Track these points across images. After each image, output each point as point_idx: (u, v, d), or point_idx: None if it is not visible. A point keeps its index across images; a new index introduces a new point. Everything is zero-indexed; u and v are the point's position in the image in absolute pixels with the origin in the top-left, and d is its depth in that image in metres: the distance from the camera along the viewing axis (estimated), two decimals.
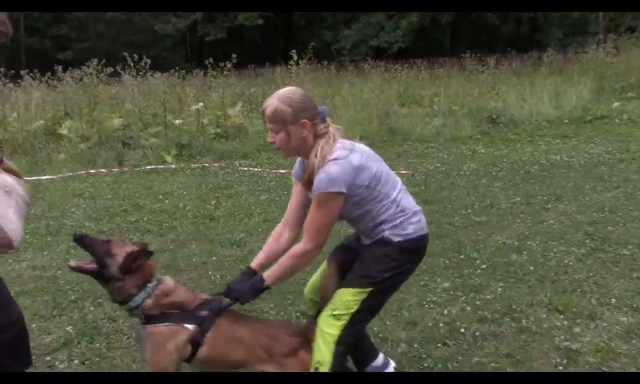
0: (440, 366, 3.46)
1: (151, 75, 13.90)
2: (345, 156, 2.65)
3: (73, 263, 2.67)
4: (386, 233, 2.78)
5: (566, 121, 12.79)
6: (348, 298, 2.76)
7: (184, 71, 15.33)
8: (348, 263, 2.92)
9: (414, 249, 2.86)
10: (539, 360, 3.48)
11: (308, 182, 2.75)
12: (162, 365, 2.69)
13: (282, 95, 2.71)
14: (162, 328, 2.70)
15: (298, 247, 2.75)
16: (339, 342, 2.75)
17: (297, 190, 2.99)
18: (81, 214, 7.29)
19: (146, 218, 6.98)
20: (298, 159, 2.98)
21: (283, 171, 9.49)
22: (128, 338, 4.02)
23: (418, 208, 2.90)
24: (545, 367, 3.40)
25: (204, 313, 2.76)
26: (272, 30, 38.47)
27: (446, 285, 4.60)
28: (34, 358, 3.56)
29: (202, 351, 2.72)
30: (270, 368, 2.74)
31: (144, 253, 2.70)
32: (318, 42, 22.72)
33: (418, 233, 2.84)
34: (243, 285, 2.83)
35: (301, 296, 4.47)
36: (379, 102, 13.64)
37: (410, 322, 4.03)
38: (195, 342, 2.71)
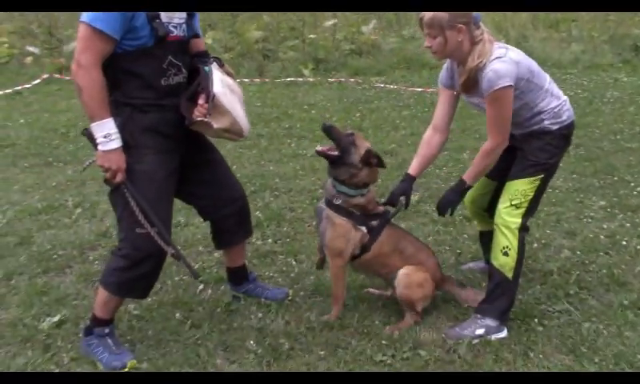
0: (605, 271, 3.73)
1: None
2: (504, 53, 2.89)
3: (319, 148, 3.19)
4: (546, 122, 3.06)
5: None
6: (524, 188, 3.08)
7: None
8: (500, 162, 3.14)
9: (569, 134, 3.17)
10: None
11: (466, 84, 2.99)
12: (337, 248, 3.19)
13: None
14: (343, 221, 3.17)
15: (486, 147, 3.03)
16: (522, 228, 3.11)
17: (444, 95, 3.27)
18: None
19: (298, 125, 7.49)
20: (445, 66, 3.24)
21: (419, 89, 9.70)
22: (309, 226, 4.54)
23: (565, 97, 3.17)
24: None
25: (375, 222, 3.21)
26: None
27: (603, 203, 4.79)
28: None
29: (367, 255, 3.21)
30: (412, 271, 3.19)
31: (379, 157, 3.18)
32: None
33: (571, 118, 3.14)
34: (446, 192, 3.26)
35: None
36: (513, 25, 13.35)
37: (569, 232, 4.30)
38: (364, 246, 3.19)
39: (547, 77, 3.11)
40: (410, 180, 3.29)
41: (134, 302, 3.44)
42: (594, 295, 3.48)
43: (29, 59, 11.66)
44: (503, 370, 2.86)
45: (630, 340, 3.05)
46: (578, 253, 3.99)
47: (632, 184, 5.17)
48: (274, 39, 12.40)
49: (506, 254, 3.10)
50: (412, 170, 3.30)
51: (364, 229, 3.19)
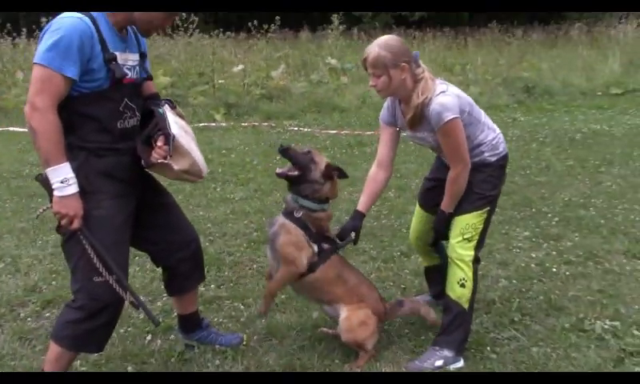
0: (542, 297, 3.92)
1: (190, 35, 14.19)
2: (446, 88, 3.06)
3: (279, 170, 3.20)
4: (486, 154, 3.22)
5: (599, 93, 13.13)
6: (474, 221, 3.22)
7: (220, 31, 15.54)
8: (442, 197, 3.30)
9: (505, 165, 3.35)
10: (630, 295, 3.94)
11: (413, 121, 3.12)
12: (290, 255, 3.15)
13: (381, 42, 3.06)
14: (298, 232, 3.17)
15: (452, 174, 3.16)
16: (475, 260, 3.25)
17: (386, 133, 3.39)
18: None
19: (220, 170, 7.42)
20: (385, 105, 3.36)
21: (333, 131, 9.90)
22: (250, 269, 4.49)
23: (499, 130, 3.37)
24: (636, 302, 3.85)
25: (326, 246, 3.24)
26: None
27: (527, 233, 5.06)
28: None
29: (312, 276, 3.20)
30: (352, 313, 3.19)
31: (340, 170, 3.23)
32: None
33: (506, 150, 3.34)
34: (433, 225, 3.39)
35: (394, 238, 4.97)
36: None
37: (502, 263, 4.50)
38: (311, 266, 3.19)
39: (482, 111, 3.29)
40: (359, 216, 3.34)
41: (81, 358, 3.24)
42: (536, 320, 3.65)
43: None
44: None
45: (578, 360, 3.21)
46: (514, 281, 4.18)
47: (549, 215, 5.50)
48: (182, 85, 12.30)
49: (462, 285, 3.20)
50: (361, 206, 3.36)
51: (315, 247, 3.19)
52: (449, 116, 2.97)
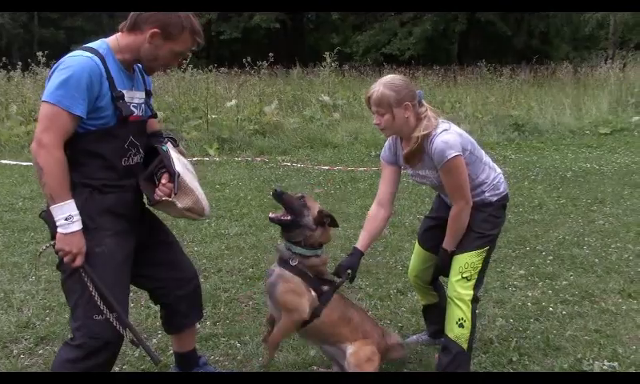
0: (539, 336, 3.92)
1: (183, 71, 14.29)
2: (449, 127, 3.11)
3: (272, 215, 3.19)
4: (487, 194, 3.26)
5: (588, 132, 13.28)
6: (473, 260, 3.23)
7: (213, 66, 15.67)
8: (442, 236, 3.34)
9: (506, 204, 3.39)
10: (627, 335, 3.95)
11: (411, 155, 3.16)
12: (291, 303, 3.13)
13: (385, 82, 3.11)
14: (297, 279, 3.15)
15: (453, 211, 3.19)
16: (474, 299, 3.25)
17: (386, 172, 3.42)
18: None
19: (214, 205, 7.38)
20: (387, 144, 3.40)
21: (326, 167, 9.94)
22: (246, 306, 4.46)
23: (500, 169, 3.42)
24: (633, 342, 3.86)
25: (325, 288, 3.23)
26: (282, 32, 38.79)
27: (522, 272, 5.08)
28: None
29: (317, 321, 3.18)
30: (359, 349, 3.19)
31: (332, 218, 3.22)
32: (325, 46, 23.17)
33: (506, 190, 3.38)
34: (436, 262, 3.43)
35: (390, 275, 4.97)
36: None
37: (498, 301, 4.50)
38: (314, 312, 3.17)
39: (482, 151, 3.33)
40: (358, 254, 3.34)
41: None
42: (534, 361, 3.64)
43: None
44: None
45: None
46: (511, 320, 4.18)
47: (544, 253, 5.52)
48: (176, 119, 12.36)
49: (461, 325, 3.20)
50: (360, 244, 3.36)
51: (313, 294, 3.17)
52: (452, 153, 3.00)
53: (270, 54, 13.77)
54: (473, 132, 12.78)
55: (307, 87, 16.13)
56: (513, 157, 10.92)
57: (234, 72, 15.89)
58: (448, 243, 3.27)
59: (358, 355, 3.18)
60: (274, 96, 14.69)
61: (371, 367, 3.19)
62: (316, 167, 9.99)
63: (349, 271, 3.28)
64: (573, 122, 13.89)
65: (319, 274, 3.24)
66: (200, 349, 3.77)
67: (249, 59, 13.94)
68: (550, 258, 5.41)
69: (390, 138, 3.35)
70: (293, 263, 3.16)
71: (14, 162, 10.08)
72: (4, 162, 10.11)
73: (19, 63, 13.81)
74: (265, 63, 13.85)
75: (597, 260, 5.32)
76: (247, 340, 3.92)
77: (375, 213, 3.40)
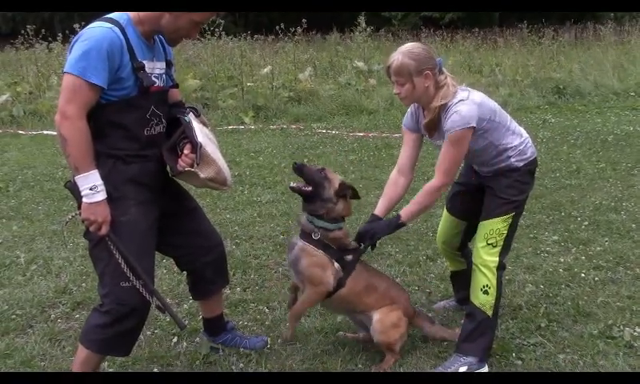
0: (569, 303, 3.86)
1: (218, 38, 14.29)
2: (467, 96, 3.03)
3: (293, 184, 3.19)
4: (512, 160, 3.18)
5: (632, 93, 12.89)
6: (498, 226, 3.18)
7: (247, 34, 15.63)
8: (470, 202, 3.35)
9: (534, 170, 3.30)
10: None
11: (430, 125, 3.12)
12: (316, 276, 3.14)
13: (405, 50, 3.04)
14: (320, 253, 3.16)
15: (432, 184, 3.11)
16: (500, 266, 3.21)
17: (408, 139, 3.35)
18: None
19: (248, 172, 7.48)
20: (409, 111, 3.34)
21: (361, 134, 9.90)
22: (276, 272, 4.51)
23: (527, 134, 3.31)
24: None
25: (349, 257, 3.22)
26: None
27: (555, 237, 5.00)
28: None
29: (342, 291, 3.19)
30: (385, 315, 3.21)
31: (354, 189, 3.23)
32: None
33: (535, 155, 3.28)
34: (375, 224, 3.25)
35: (420, 242, 4.96)
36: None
37: (529, 267, 4.45)
38: (339, 282, 3.18)
39: (508, 117, 3.25)
40: (376, 220, 3.30)
41: (108, 360, 3.30)
42: (563, 327, 3.60)
43: None
44: None
45: (606, 368, 3.16)
46: (541, 287, 4.13)
47: (579, 219, 5.42)
48: (212, 88, 12.41)
49: (486, 292, 3.18)
50: (378, 210, 3.32)
51: (337, 265, 3.18)
52: (463, 125, 2.97)
53: (304, 20, 13.65)
54: (512, 95, 12.58)
55: (343, 53, 15.97)
56: (552, 120, 10.68)
57: (268, 39, 15.81)
58: (407, 213, 3.16)
59: (383, 322, 3.20)
60: (309, 63, 14.62)
61: (396, 333, 3.21)
62: (351, 134, 9.95)
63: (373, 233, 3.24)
64: (616, 83, 13.49)
65: (342, 245, 3.24)
66: (229, 314, 3.85)
67: (282, 26, 13.82)
68: (586, 223, 5.31)
69: (413, 106, 3.31)
70: (315, 237, 3.16)
71: (55, 133, 10.30)
72: (45, 132, 10.34)
73: (60, 35, 14.01)
74: (299, 29, 13.74)
75: (634, 225, 5.20)
76: (275, 306, 3.98)
77: (395, 179, 3.37)
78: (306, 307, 3.30)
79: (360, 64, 14.28)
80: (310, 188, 3.14)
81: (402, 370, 3.20)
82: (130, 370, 3.26)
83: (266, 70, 13.19)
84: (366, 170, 7.48)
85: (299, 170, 3.17)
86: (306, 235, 3.20)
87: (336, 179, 3.19)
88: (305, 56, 15.13)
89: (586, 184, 6.54)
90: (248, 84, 12.41)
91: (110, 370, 3.26)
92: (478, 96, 3.08)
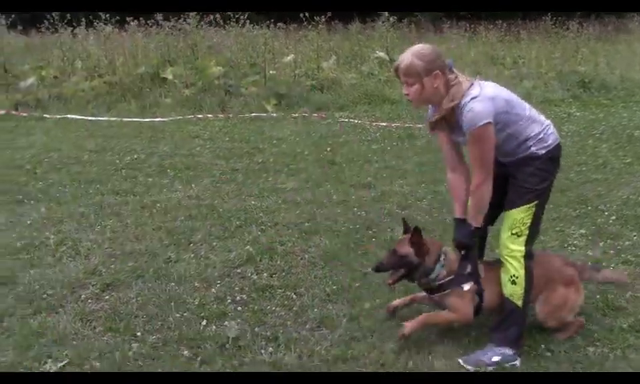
0: (598, 296, 3.84)
1: (242, 26, 14.27)
2: (479, 92, 3.01)
3: (390, 280, 3.40)
4: (533, 148, 3.15)
5: None
6: (521, 216, 3.17)
7: (270, 22, 15.61)
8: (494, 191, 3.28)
9: (557, 156, 3.26)
10: None
11: (439, 124, 3.16)
12: (464, 311, 3.29)
13: (414, 51, 3.05)
14: (458, 289, 3.27)
15: (474, 182, 3.14)
16: (527, 256, 3.19)
17: (442, 137, 3.33)
18: (208, 154, 7.85)
19: (271, 160, 7.50)
20: (430, 110, 3.32)
21: (384, 124, 9.87)
22: (302, 259, 4.53)
23: (548, 121, 3.27)
24: None
25: (468, 270, 3.28)
26: None
27: (582, 231, 4.96)
28: (225, 269, 4.15)
29: (486, 297, 3.30)
30: (545, 301, 3.36)
31: (415, 231, 3.32)
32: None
33: (557, 141, 3.24)
34: (459, 235, 3.30)
35: (445, 232, 4.94)
36: (463, 63, 13.80)
37: None
38: (479, 293, 3.28)
39: (526, 105, 3.22)
40: (460, 222, 3.29)
41: (138, 341, 3.36)
42: (592, 320, 3.58)
43: None
44: None
45: (636, 362, 3.15)
46: None
47: (606, 213, 5.37)
48: (234, 75, 12.43)
49: (514, 282, 3.17)
50: (458, 213, 3.31)
51: (466, 287, 3.26)
52: (479, 122, 2.96)
53: (329, 14, 13.61)
54: (536, 88, 12.46)
55: (365, 43, 15.89)
56: (577, 114, 10.58)
57: (291, 27, 15.76)
58: (472, 217, 3.20)
59: (544, 311, 3.34)
60: (332, 51, 14.59)
61: (562, 311, 3.36)
62: (374, 123, 9.92)
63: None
64: None
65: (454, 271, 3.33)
66: (256, 299, 3.89)
67: (306, 14, 13.79)
68: (613, 217, 5.26)
69: (431, 108, 3.29)
70: (435, 284, 3.34)
71: (79, 117, 10.39)
72: (70, 116, 10.42)
73: (83, 20, 14.10)
74: (322, 18, 13.70)
75: None
76: (303, 291, 3.99)
77: (453, 180, 3.35)
78: (437, 322, 3.42)
79: (382, 54, 14.22)
80: (403, 271, 3.33)
81: (430, 358, 3.20)
82: (160, 352, 3.30)
83: (288, 58, 13.19)
84: (390, 159, 7.46)
85: (380, 269, 3.39)
86: (432, 291, 3.38)
87: (405, 247, 3.32)
88: (327, 45, 15.07)
89: (613, 178, 6.48)
90: (270, 72, 12.43)
91: (142, 352, 3.29)
92: (490, 90, 3.06)
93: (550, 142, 3.19)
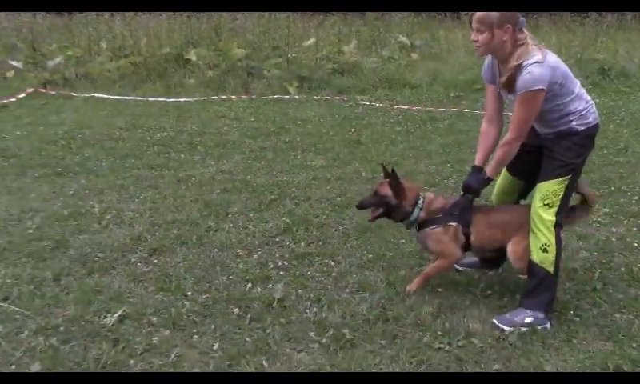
0: (623, 269, 4.03)
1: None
2: (543, 59, 3.16)
3: (370, 216, 3.72)
4: (573, 123, 3.32)
5: None
6: (555, 188, 3.34)
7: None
8: (529, 162, 3.53)
9: (593, 135, 3.43)
10: None
11: (507, 83, 3.29)
12: (446, 251, 3.61)
13: None
14: (435, 229, 3.59)
15: (505, 139, 3.35)
16: (557, 225, 3.37)
17: (489, 90, 3.55)
18: (236, 133, 8.04)
19: (298, 139, 7.69)
20: (486, 64, 3.51)
21: (405, 107, 10.02)
22: (335, 230, 4.73)
23: (592, 101, 3.45)
24: None
25: (456, 212, 3.56)
26: None
27: (606, 210, 5.13)
28: (264, 238, 4.35)
29: (473, 238, 3.57)
30: (516, 244, 3.50)
31: (392, 175, 3.60)
32: None
33: (596, 120, 3.41)
34: (471, 179, 3.55)
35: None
36: None
37: (582, 236, 4.60)
38: (465, 233, 3.54)
39: (578, 82, 3.39)
40: (477, 171, 3.55)
41: (189, 300, 3.58)
42: (618, 290, 3.77)
43: (10, 73, 11.59)
44: (552, 356, 3.10)
45: None
46: (595, 253, 4.29)
47: (629, 193, 5.54)
48: (257, 57, 12.59)
49: (545, 250, 3.34)
50: (477, 161, 3.57)
51: (453, 223, 3.56)
52: (534, 86, 3.12)
53: None
54: None
55: (385, 27, 15.99)
56: (597, 101, 10.35)
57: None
58: (491, 168, 3.46)
59: (517, 250, 3.51)
60: (353, 35, 14.71)
61: None
62: (395, 107, 10.08)
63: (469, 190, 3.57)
64: None
65: (438, 211, 3.62)
66: (297, 265, 4.10)
67: None
68: (636, 197, 5.43)
69: (489, 58, 3.47)
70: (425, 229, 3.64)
71: (106, 96, 10.61)
72: (97, 95, 10.64)
73: None
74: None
75: None
76: (340, 259, 4.20)
77: (486, 129, 3.59)
78: (435, 273, 3.74)
79: (404, 38, 14.33)
80: (381, 210, 3.64)
81: (465, 320, 3.40)
82: (211, 310, 3.51)
83: (309, 41, 13.32)
84: (414, 140, 7.63)
85: (362, 207, 3.72)
86: (419, 228, 3.68)
87: (385, 188, 3.62)
88: (348, 29, 15.18)
89: (635, 162, 6.63)
90: (292, 55, 12.58)
91: (195, 309, 3.51)
92: (553, 59, 3.22)
93: (590, 119, 3.35)
